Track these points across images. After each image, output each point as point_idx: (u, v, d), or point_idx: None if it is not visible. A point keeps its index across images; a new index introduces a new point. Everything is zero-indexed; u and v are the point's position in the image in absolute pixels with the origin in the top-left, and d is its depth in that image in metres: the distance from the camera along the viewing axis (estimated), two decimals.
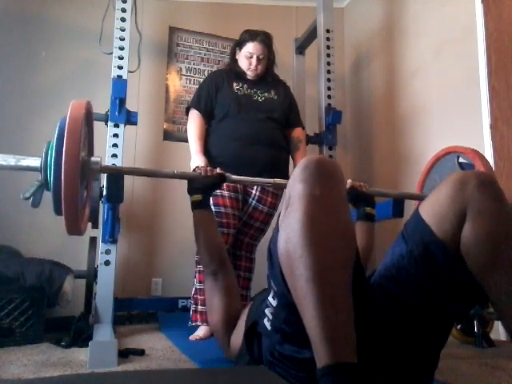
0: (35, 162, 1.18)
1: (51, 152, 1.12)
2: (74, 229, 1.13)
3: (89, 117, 1.30)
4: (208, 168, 1.47)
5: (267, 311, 0.95)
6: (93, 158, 1.30)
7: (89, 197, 1.40)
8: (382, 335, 0.91)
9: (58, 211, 1.11)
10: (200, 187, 1.42)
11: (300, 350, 0.86)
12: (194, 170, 1.49)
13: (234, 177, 1.58)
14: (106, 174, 1.88)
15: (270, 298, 0.95)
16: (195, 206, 1.41)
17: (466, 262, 0.84)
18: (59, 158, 1.07)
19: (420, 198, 1.82)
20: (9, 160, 1.21)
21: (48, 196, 1.14)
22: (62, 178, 1.05)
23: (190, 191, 1.43)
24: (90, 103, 1.26)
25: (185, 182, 2.17)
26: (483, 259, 0.82)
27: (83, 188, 1.27)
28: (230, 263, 1.42)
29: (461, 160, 1.67)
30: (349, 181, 1.59)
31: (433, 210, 0.89)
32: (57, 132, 1.12)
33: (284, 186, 1.95)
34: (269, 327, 0.94)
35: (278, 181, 1.66)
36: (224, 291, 1.34)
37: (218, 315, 1.32)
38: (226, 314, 1.31)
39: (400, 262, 0.91)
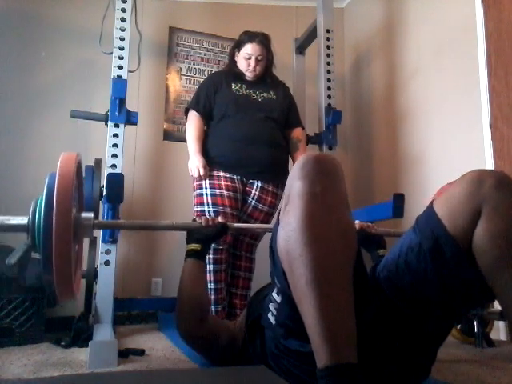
0: (22, 221, 1.07)
1: (40, 211, 1.03)
2: (67, 293, 1.04)
3: (79, 170, 1.21)
4: (209, 218, 1.41)
5: (271, 306, 0.96)
6: (84, 214, 1.20)
7: (80, 256, 1.31)
8: (383, 333, 0.91)
9: (48, 273, 1.01)
10: (200, 238, 1.36)
11: (304, 344, 0.85)
12: (195, 219, 1.43)
13: (236, 225, 1.55)
14: (106, 174, 1.90)
15: (274, 294, 0.95)
16: (190, 255, 1.35)
17: (477, 259, 0.83)
18: (49, 217, 0.98)
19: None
20: None
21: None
22: (53, 240, 0.96)
23: (189, 241, 1.37)
24: (80, 155, 1.16)
25: (187, 175, 2.18)
26: (495, 257, 0.81)
27: (75, 248, 1.17)
28: (210, 318, 1.33)
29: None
30: (356, 222, 1.52)
31: (447, 205, 0.88)
32: (46, 189, 1.03)
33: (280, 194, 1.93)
34: (273, 321, 0.95)
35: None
36: (205, 346, 1.28)
37: (217, 361, 1.29)
38: (221, 354, 1.27)
39: (408, 254, 0.90)
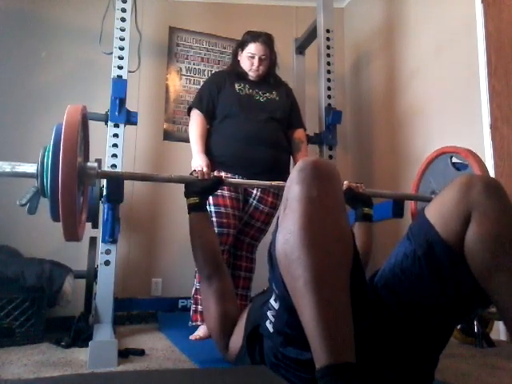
0: (31, 168, 1.16)
1: (47, 158, 1.11)
2: (72, 235, 1.13)
3: (85, 122, 1.29)
4: (205, 171, 1.47)
5: (269, 314, 0.96)
6: (89, 164, 1.29)
7: (85, 202, 1.39)
8: (382, 335, 0.91)
9: (55, 217, 1.10)
10: (197, 190, 1.42)
11: (303, 352, 0.86)
12: (191, 173, 1.49)
13: (232, 180, 1.58)
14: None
15: (271, 301, 0.95)
16: (192, 208, 1.40)
17: (469, 263, 0.85)
18: (56, 164, 1.06)
19: (415, 199, 1.82)
20: (4, 167, 1.18)
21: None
22: (59, 184, 1.04)
23: (187, 194, 1.43)
24: (86, 108, 1.24)
25: (188, 173, 2.18)
26: (486, 260, 0.83)
27: (80, 194, 1.26)
28: (225, 268, 1.41)
29: (454, 160, 1.67)
30: (345, 182, 1.58)
31: (438, 211, 0.90)
32: (53, 138, 1.11)
33: (281, 187, 1.95)
34: (271, 329, 0.95)
35: (275, 183, 1.66)
36: (218, 295, 1.33)
37: (214, 319, 1.32)
38: (221, 318, 1.30)
39: (404, 261, 0.92)
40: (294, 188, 0.85)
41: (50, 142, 1.11)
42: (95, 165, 1.29)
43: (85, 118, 1.27)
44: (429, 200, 1.64)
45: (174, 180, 1.50)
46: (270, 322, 0.95)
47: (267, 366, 0.99)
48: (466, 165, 1.59)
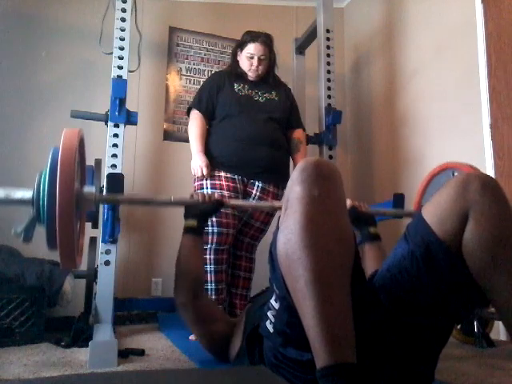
0: (27, 194, 1.11)
1: (43, 185, 1.07)
2: (70, 263, 1.10)
3: (81, 145, 1.25)
4: (206, 194, 1.45)
5: (269, 314, 0.95)
6: (86, 189, 1.25)
7: (82, 228, 1.35)
8: (382, 336, 0.91)
9: (52, 246, 1.06)
10: (197, 213, 1.40)
11: (303, 353, 0.86)
12: (192, 195, 1.46)
13: (233, 201, 1.56)
14: (106, 174, 1.90)
15: (272, 301, 0.95)
16: (188, 230, 1.38)
17: (467, 262, 0.85)
18: (53, 191, 1.02)
19: None
20: None
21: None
22: (57, 211, 1.00)
23: (186, 216, 1.41)
24: (82, 131, 1.20)
25: (188, 175, 2.18)
26: (484, 259, 0.83)
27: (77, 220, 1.22)
28: (205, 295, 1.39)
29: (456, 175, 1.66)
30: (348, 201, 1.53)
31: (435, 211, 0.90)
32: (49, 163, 1.07)
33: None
34: (271, 330, 0.94)
35: (277, 204, 1.64)
36: (198, 321, 1.33)
37: (203, 341, 1.34)
38: (209, 340, 1.32)
39: (402, 262, 0.92)
40: (295, 188, 0.84)
41: (47, 168, 1.07)
42: (93, 190, 1.25)
43: (81, 142, 1.24)
44: None
45: (174, 203, 1.46)
46: (271, 322, 0.95)
47: (267, 366, 0.99)
48: None
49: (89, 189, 1.26)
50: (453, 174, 1.67)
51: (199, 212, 1.40)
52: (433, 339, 0.97)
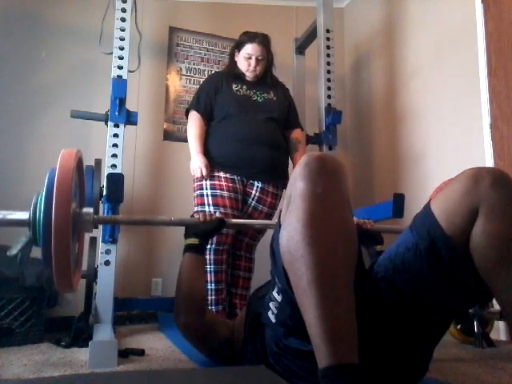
0: (23, 215, 1.10)
1: (40, 206, 1.05)
2: (66, 286, 1.07)
3: (80, 166, 1.23)
4: (207, 213, 1.44)
5: (272, 305, 0.95)
6: (84, 210, 1.23)
7: (81, 250, 1.33)
8: (380, 328, 0.91)
9: (47, 267, 1.04)
10: (199, 233, 1.37)
11: (305, 343, 0.84)
12: (193, 215, 1.45)
13: (234, 220, 1.56)
14: (106, 174, 1.90)
15: (274, 293, 0.94)
16: (189, 249, 1.36)
17: (474, 259, 0.83)
18: (49, 212, 1.00)
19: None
20: None
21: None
22: (53, 233, 0.99)
23: (187, 236, 1.39)
24: (80, 151, 1.19)
25: (188, 175, 2.18)
26: (493, 257, 0.81)
27: (75, 242, 1.21)
28: (207, 312, 1.36)
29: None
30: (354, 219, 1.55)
31: (444, 205, 0.87)
32: (46, 185, 1.06)
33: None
34: (273, 320, 0.95)
35: (271, 222, 1.63)
36: (200, 339, 1.31)
37: (209, 355, 1.33)
38: (214, 352, 1.30)
39: (405, 254, 0.90)
40: (298, 183, 0.82)
41: (43, 189, 1.06)
42: (91, 211, 1.23)
43: (80, 162, 1.22)
44: None
45: (174, 223, 1.44)
46: (273, 312, 0.95)
47: (268, 354, 0.99)
48: None
49: (87, 210, 1.23)
50: None
51: (202, 232, 1.37)
52: (431, 331, 0.97)
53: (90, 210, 1.23)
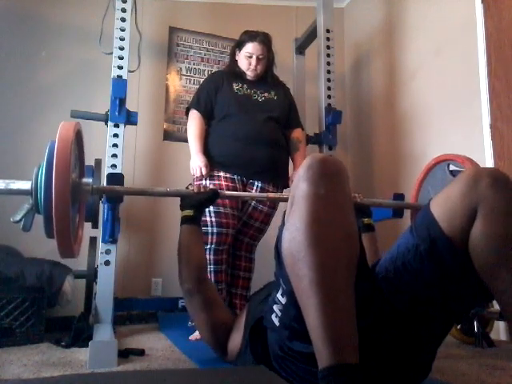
0: (25, 185, 1.16)
1: (41, 175, 1.11)
2: (67, 252, 1.12)
3: (79, 138, 1.29)
4: (201, 185, 1.49)
5: (275, 308, 0.95)
6: (84, 180, 1.29)
7: (82, 219, 1.38)
8: (382, 332, 0.91)
9: (49, 234, 1.09)
10: (193, 203, 1.43)
11: (309, 346, 0.85)
12: (187, 187, 1.50)
13: (227, 192, 1.59)
14: (106, 174, 1.90)
15: (278, 296, 0.94)
16: (185, 221, 1.41)
17: (473, 259, 0.83)
18: (49, 181, 1.06)
19: (416, 208, 1.81)
20: None
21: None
22: (53, 200, 1.04)
23: (183, 207, 1.44)
24: (80, 124, 1.24)
25: (187, 175, 2.18)
26: (492, 257, 0.81)
27: (75, 210, 1.26)
28: (209, 282, 1.42)
29: (451, 168, 1.66)
30: None
31: (443, 205, 0.88)
32: (46, 155, 1.12)
33: (277, 200, 1.97)
34: (277, 323, 0.94)
35: (271, 195, 1.66)
36: (202, 307, 1.34)
37: (205, 331, 1.34)
38: (212, 329, 1.32)
39: (406, 255, 0.90)
40: (301, 185, 0.83)
41: (44, 160, 1.11)
42: (90, 181, 1.29)
43: (79, 135, 1.27)
44: None
45: (170, 194, 1.51)
46: (276, 315, 0.94)
47: (271, 358, 0.99)
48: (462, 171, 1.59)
49: (86, 180, 1.29)
50: (448, 166, 1.67)
51: (196, 202, 1.43)
52: (433, 332, 0.97)
53: (90, 180, 1.29)
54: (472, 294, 0.91)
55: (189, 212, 1.42)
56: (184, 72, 3.07)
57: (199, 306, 1.34)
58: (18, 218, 1.15)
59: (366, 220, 1.58)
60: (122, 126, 2.07)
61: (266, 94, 2.20)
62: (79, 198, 1.27)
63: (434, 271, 0.87)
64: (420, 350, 0.96)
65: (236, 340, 1.21)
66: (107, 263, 1.95)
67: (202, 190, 1.45)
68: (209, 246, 2.00)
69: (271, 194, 1.67)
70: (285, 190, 2.25)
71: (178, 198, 1.49)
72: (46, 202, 1.08)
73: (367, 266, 0.95)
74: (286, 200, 1.75)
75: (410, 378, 0.97)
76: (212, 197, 1.47)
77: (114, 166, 2.00)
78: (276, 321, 0.95)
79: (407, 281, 0.90)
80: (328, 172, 0.83)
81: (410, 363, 0.95)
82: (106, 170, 1.98)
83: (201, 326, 1.37)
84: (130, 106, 2.13)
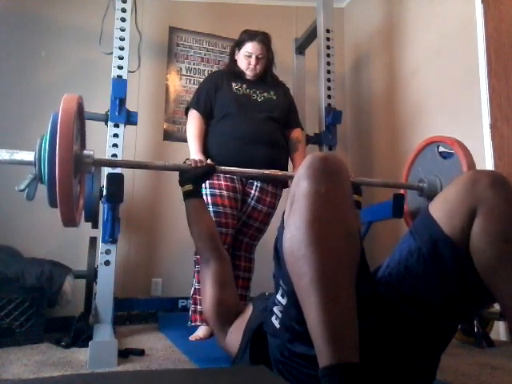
0: (29, 155, 1.20)
1: (45, 146, 1.15)
2: (69, 220, 1.16)
3: (81, 111, 1.32)
4: (198, 159, 1.51)
5: (276, 309, 0.95)
6: (85, 152, 1.32)
7: (82, 190, 1.42)
8: (385, 334, 0.91)
9: (52, 203, 1.13)
10: (191, 177, 1.46)
11: (311, 348, 0.85)
12: (185, 161, 1.53)
13: (224, 168, 1.60)
14: (106, 174, 1.90)
15: (278, 297, 0.94)
16: (187, 195, 1.45)
17: (474, 259, 0.84)
18: (53, 151, 1.09)
19: (404, 187, 1.83)
20: (2, 154, 1.21)
21: (45, 194, 1.15)
22: (56, 170, 1.08)
23: (182, 182, 1.47)
24: (82, 97, 1.27)
25: None
26: (492, 256, 0.82)
27: (77, 181, 1.30)
28: (225, 253, 1.45)
29: (441, 149, 1.67)
30: None
31: (443, 207, 0.88)
32: (50, 126, 1.15)
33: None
34: (277, 325, 0.94)
35: (266, 171, 1.66)
36: (215, 279, 1.35)
37: (209, 304, 1.34)
38: (217, 305, 1.32)
39: (408, 259, 0.91)
40: (301, 183, 0.83)
41: (47, 130, 1.15)
42: (91, 153, 1.32)
43: (80, 107, 1.30)
44: (416, 188, 1.68)
45: (168, 168, 1.57)
46: (277, 317, 0.94)
47: (272, 363, 0.98)
48: (451, 153, 1.60)
49: (87, 152, 1.32)
50: (437, 148, 1.68)
51: (193, 176, 1.46)
52: (437, 336, 0.96)
53: (91, 152, 1.32)
54: (476, 296, 0.91)
55: (189, 187, 1.45)
56: (184, 72, 3.07)
57: (213, 277, 1.36)
58: (22, 187, 1.18)
59: (356, 196, 1.62)
60: (121, 126, 2.07)
61: (265, 94, 2.20)
62: (81, 169, 1.31)
63: (438, 273, 0.87)
64: (422, 353, 0.95)
65: (235, 341, 1.21)
66: (107, 263, 1.95)
67: (198, 164, 1.49)
68: None
69: (266, 171, 1.67)
70: (284, 191, 2.25)
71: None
72: (49, 173, 1.11)
73: (368, 267, 0.94)
74: (280, 177, 1.80)
75: (411, 382, 0.97)
76: (209, 171, 1.51)
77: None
78: (276, 323, 0.94)
79: (411, 284, 0.90)
80: (329, 170, 0.83)
81: (412, 366, 0.95)
82: (106, 170, 1.98)
83: (206, 299, 1.37)
84: (130, 106, 2.13)
